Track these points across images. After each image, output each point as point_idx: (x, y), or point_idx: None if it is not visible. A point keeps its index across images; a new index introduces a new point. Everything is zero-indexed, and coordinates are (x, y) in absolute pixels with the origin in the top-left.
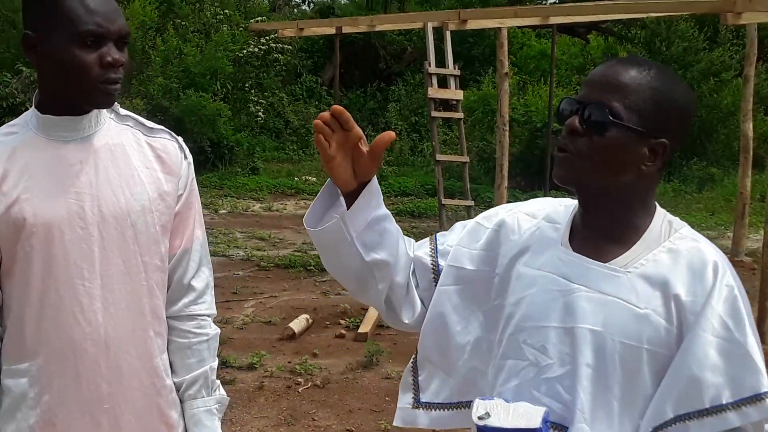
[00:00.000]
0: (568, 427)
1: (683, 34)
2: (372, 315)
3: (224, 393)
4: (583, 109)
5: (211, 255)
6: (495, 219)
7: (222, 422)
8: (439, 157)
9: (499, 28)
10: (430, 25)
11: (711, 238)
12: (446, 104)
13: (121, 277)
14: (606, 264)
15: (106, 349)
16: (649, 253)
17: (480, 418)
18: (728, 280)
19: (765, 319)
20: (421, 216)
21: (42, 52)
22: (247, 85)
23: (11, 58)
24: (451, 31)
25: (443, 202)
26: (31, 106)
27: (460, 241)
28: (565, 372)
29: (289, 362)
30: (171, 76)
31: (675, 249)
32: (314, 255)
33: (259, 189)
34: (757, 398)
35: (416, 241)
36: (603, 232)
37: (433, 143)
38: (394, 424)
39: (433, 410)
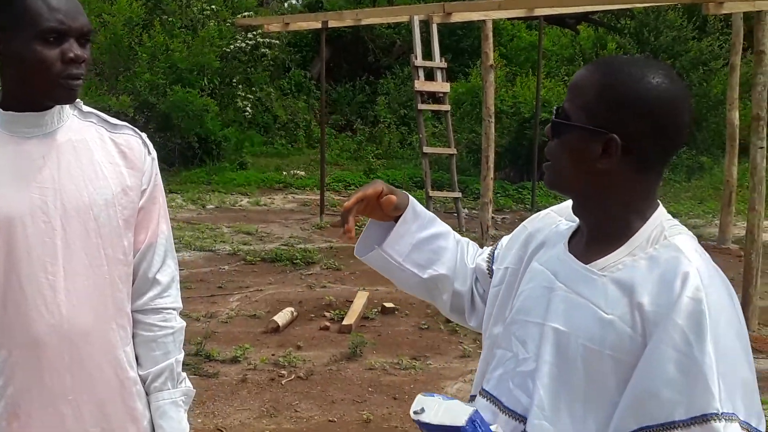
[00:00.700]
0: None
1: (672, 24)
2: (357, 307)
3: (190, 386)
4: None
5: (197, 250)
6: (533, 220)
7: (204, 415)
8: (426, 149)
9: (484, 21)
10: (416, 18)
11: (699, 227)
12: (434, 97)
13: (84, 270)
14: (586, 265)
15: (69, 341)
16: (630, 258)
17: (415, 412)
18: (696, 293)
19: (749, 305)
20: None
21: (5, 50)
22: (234, 80)
23: None
24: (438, 24)
25: (430, 194)
26: None
27: (507, 243)
28: (534, 367)
29: (272, 355)
30: (158, 72)
31: (655, 257)
32: (300, 249)
33: (247, 184)
34: (704, 419)
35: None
36: (591, 234)
37: (420, 135)
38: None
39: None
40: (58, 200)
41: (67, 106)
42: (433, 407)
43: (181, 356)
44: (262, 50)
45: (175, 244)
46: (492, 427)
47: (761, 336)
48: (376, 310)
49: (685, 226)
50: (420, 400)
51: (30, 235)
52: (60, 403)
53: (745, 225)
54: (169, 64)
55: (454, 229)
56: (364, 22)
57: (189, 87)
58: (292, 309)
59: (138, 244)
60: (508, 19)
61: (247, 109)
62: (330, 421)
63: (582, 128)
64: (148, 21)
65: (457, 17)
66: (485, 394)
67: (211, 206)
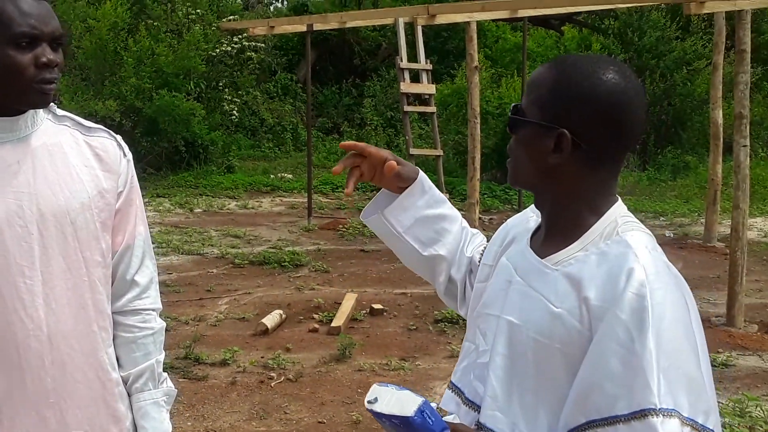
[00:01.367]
0: None
1: (655, 24)
2: (345, 309)
3: (172, 386)
4: None
5: (186, 254)
6: (514, 217)
7: (194, 418)
8: (413, 151)
9: (468, 22)
10: (400, 21)
11: (684, 225)
12: (420, 98)
13: (62, 273)
14: (541, 260)
15: (49, 344)
16: (583, 253)
17: (369, 402)
18: (640, 289)
19: (734, 303)
20: None
21: None
22: (220, 84)
23: None
24: (423, 26)
25: None
26: None
27: (491, 240)
28: (490, 359)
29: (262, 357)
30: (144, 77)
31: (605, 252)
32: (289, 251)
33: (235, 187)
34: (642, 413)
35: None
36: (548, 229)
37: (407, 137)
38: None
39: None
40: (34, 205)
41: (41, 110)
42: (385, 397)
43: (161, 357)
44: (248, 54)
45: (163, 248)
46: (449, 417)
47: (747, 333)
48: (364, 311)
49: (671, 224)
50: (374, 390)
51: (7, 240)
52: (42, 406)
53: (730, 223)
54: (155, 69)
55: None
56: (349, 25)
57: (175, 91)
58: (281, 311)
59: (116, 246)
60: (493, 20)
61: (234, 112)
62: (320, 422)
63: (535, 124)
64: (134, 25)
65: (442, 19)
66: (451, 385)
67: (199, 210)
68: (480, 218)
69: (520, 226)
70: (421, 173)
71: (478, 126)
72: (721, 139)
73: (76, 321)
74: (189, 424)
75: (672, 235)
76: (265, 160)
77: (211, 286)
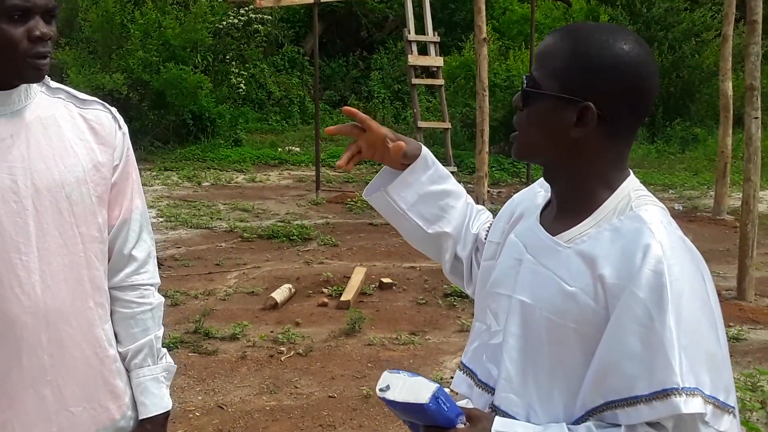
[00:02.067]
0: None
1: None
2: (354, 283)
3: (171, 361)
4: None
5: (194, 228)
6: (521, 192)
7: (204, 392)
8: (421, 123)
9: None
10: None
11: (693, 198)
12: (428, 71)
13: (58, 249)
14: (553, 237)
15: (46, 321)
16: (596, 229)
17: (380, 390)
18: (657, 266)
19: (745, 276)
20: None
21: None
22: (227, 56)
23: None
24: None
25: None
26: None
27: (497, 216)
28: (503, 340)
29: (271, 332)
30: (151, 50)
31: (619, 228)
32: (297, 225)
33: (243, 160)
34: (664, 393)
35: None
36: (560, 205)
37: (414, 110)
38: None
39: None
40: (28, 180)
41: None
42: (398, 385)
43: (160, 332)
44: (255, 26)
45: (172, 221)
46: (462, 402)
47: (758, 307)
48: (373, 285)
49: (681, 197)
50: (386, 378)
51: (2, 216)
52: (40, 384)
53: (740, 196)
54: (161, 41)
55: None
56: None
57: (182, 64)
58: (290, 286)
59: (112, 220)
60: None
61: (241, 85)
62: (330, 396)
63: (555, 97)
64: None
65: None
66: (462, 367)
67: (207, 183)
68: (488, 191)
69: (528, 201)
70: (426, 149)
71: (487, 99)
72: (731, 111)
73: (73, 297)
74: (199, 398)
75: (681, 208)
76: (272, 133)
77: (220, 260)
